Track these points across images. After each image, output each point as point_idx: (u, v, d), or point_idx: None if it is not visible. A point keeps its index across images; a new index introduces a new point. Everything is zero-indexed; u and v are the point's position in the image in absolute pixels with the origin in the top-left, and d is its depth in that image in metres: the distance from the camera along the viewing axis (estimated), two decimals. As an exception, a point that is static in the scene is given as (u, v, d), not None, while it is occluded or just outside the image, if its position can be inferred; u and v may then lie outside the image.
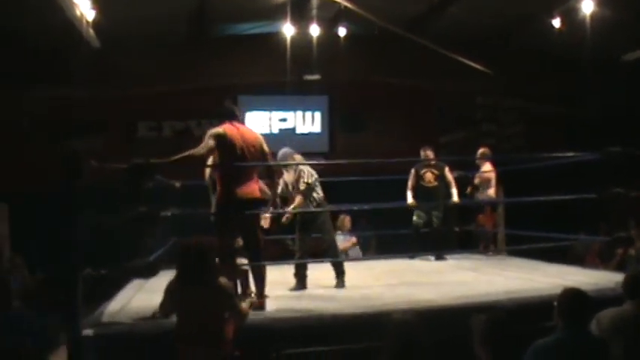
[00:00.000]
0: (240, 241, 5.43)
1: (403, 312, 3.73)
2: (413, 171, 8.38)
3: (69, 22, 8.48)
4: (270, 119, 12.36)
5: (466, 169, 9.02)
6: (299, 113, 12.49)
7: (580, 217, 8.87)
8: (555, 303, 3.56)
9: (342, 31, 10.80)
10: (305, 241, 6.41)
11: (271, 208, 5.66)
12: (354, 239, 9.28)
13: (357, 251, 9.27)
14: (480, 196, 8.80)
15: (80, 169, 4.42)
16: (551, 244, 6.98)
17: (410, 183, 8.35)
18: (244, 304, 4.37)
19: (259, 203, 5.33)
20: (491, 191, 8.76)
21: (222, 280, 4.10)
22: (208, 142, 5.03)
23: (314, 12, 10.36)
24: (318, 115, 12.51)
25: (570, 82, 11.65)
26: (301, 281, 6.23)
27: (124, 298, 5.68)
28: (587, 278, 6.00)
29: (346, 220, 9.37)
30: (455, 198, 8.31)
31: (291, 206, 6.33)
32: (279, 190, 6.44)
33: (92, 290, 4.68)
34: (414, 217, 8.40)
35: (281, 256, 8.87)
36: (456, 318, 4.25)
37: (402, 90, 12.18)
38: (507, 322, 3.33)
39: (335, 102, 12.49)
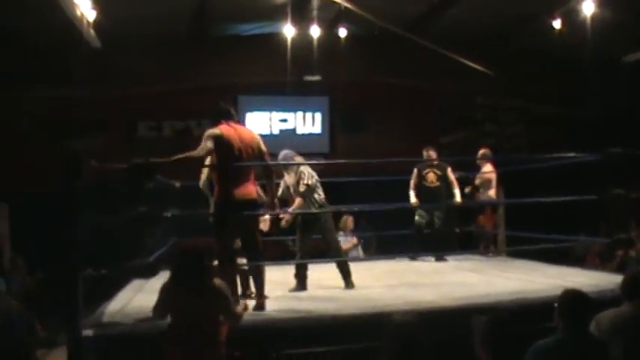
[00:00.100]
0: (239, 242, 5.43)
1: (403, 312, 3.72)
2: (415, 171, 8.36)
3: (69, 22, 8.48)
4: (270, 120, 12.36)
5: (467, 170, 9.01)
6: (299, 114, 12.49)
7: (580, 218, 8.87)
8: (556, 304, 3.55)
9: (342, 32, 10.81)
10: (306, 242, 6.40)
11: (269, 211, 5.66)
12: (354, 240, 9.27)
13: (358, 252, 9.26)
14: (481, 196, 8.79)
15: (80, 169, 4.42)
16: (551, 245, 6.98)
17: (412, 183, 8.33)
18: (239, 307, 4.36)
19: (257, 204, 5.33)
20: (492, 192, 8.75)
21: (218, 281, 4.10)
22: (206, 143, 5.02)
23: (314, 13, 10.37)
24: (318, 115, 12.51)
25: (570, 82, 11.65)
26: (301, 282, 6.22)
27: (124, 299, 5.67)
28: (588, 279, 5.99)
29: (349, 221, 9.34)
30: (457, 198, 8.31)
31: (291, 208, 6.33)
32: (280, 192, 6.45)
33: (92, 290, 4.68)
34: (417, 217, 8.39)
35: (281, 256, 8.88)
36: (456, 319, 4.26)
37: (403, 90, 12.18)
38: (508, 322, 3.33)
39: (335, 102, 12.49)
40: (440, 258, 8.27)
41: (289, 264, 6.60)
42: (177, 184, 7.31)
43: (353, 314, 4.83)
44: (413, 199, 8.27)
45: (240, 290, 5.47)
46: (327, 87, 12.19)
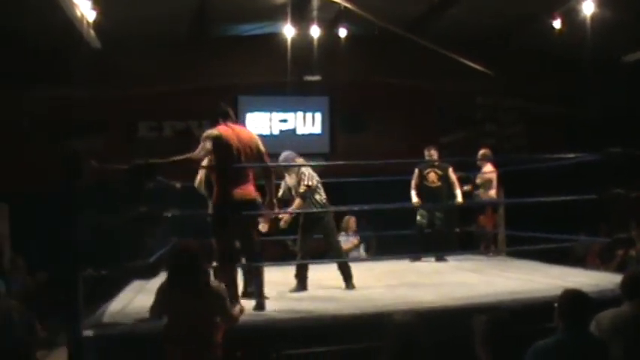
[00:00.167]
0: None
1: (403, 313, 3.72)
2: (417, 171, 8.35)
3: (69, 23, 8.48)
4: (270, 120, 12.36)
5: (467, 170, 9.01)
6: (299, 114, 12.48)
7: (580, 217, 8.87)
8: (556, 304, 3.55)
9: (342, 32, 10.80)
10: (307, 243, 6.40)
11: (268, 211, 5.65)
12: (355, 240, 9.26)
13: (359, 252, 9.24)
14: (482, 196, 8.80)
15: (80, 169, 4.42)
16: (551, 245, 6.98)
17: (413, 183, 8.33)
18: (236, 309, 4.35)
19: (256, 204, 5.32)
20: (493, 192, 8.76)
21: (213, 282, 4.09)
22: (205, 145, 5.02)
23: (314, 13, 10.36)
24: (318, 115, 12.51)
25: (570, 82, 11.65)
26: (302, 282, 6.22)
27: (125, 299, 5.67)
28: (588, 279, 5.99)
29: (351, 221, 9.32)
30: (458, 199, 8.31)
31: (289, 208, 6.34)
32: (281, 193, 6.46)
33: (92, 291, 4.67)
34: (418, 217, 8.38)
35: (281, 256, 8.88)
36: (456, 319, 4.26)
37: (403, 90, 12.18)
38: (508, 322, 3.33)
39: (335, 103, 12.49)
40: (440, 258, 8.28)
41: (290, 264, 6.59)
42: (178, 185, 7.30)
43: (353, 314, 4.84)
44: (414, 199, 8.27)
45: (241, 289, 5.47)
46: (327, 87, 12.19)
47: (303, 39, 10.65)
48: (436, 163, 8.37)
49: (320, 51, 10.87)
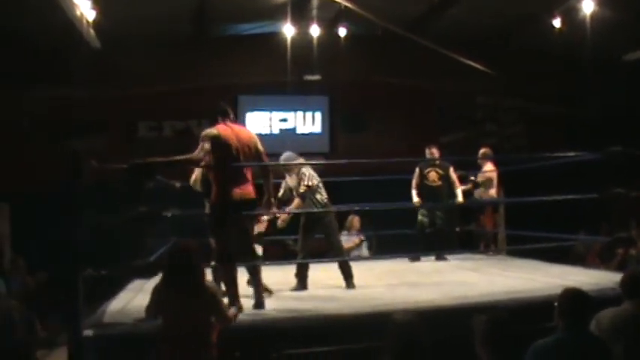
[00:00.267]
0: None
1: (404, 312, 3.71)
2: (417, 170, 8.35)
3: (69, 22, 8.48)
4: (270, 119, 12.35)
5: (467, 169, 9.01)
6: (299, 113, 12.48)
7: (581, 217, 8.87)
8: (556, 303, 3.55)
9: (342, 32, 10.80)
10: (308, 242, 6.40)
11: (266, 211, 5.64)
12: (356, 239, 9.25)
13: (362, 251, 9.23)
14: (482, 195, 8.80)
15: (80, 169, 4.42)
16: (552, 244, 6.98)
17: (414, 182, 8.33)
18: (231, 310, 4.35)
19: (255, 204, 5.32)
20: (493, 191, 8.76)
21: (208, 282, 4.08)
22: (204, 145, 5.01)
23: (314, 12, 10.36)
24: (318, 115, 12.50)
25: (570, 82, 11.65)
26: (302, 281, 6.23)
27: (125, 299, 5.67)
28: (588, 278, 5.99)
29: (355, 220, 9.32)
30: (459, 198, 8.31)
31: (288, 208, 6.34)
32: (281, 193, 6.46)
33: (92, 290, 4.67)
34: (419, 216, 8.38)
35: (282, 256, 8.87)
36: (456, 318, 4.25)
37: (403, 90, 12.17)
38: (508, 322, 3.33)
39: (335, 102, 12.48)
40: (440, 257, 8.28)
41: (291, 264, 6.59)
42: (177, 185, 7.31)
43: (353, 314, 4.83)
44: (415, 198, 8.27)
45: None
46: (327, 86, 12.18)
47: (303, 38, 10.65)
48: (437, 162, 8.37)
49: (320, 50, 10.86)
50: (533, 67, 11.73)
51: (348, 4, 9.67)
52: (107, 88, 11.01)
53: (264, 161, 5.37)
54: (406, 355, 3.22)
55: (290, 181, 6.46)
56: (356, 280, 6.23)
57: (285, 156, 6.36)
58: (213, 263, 5.36)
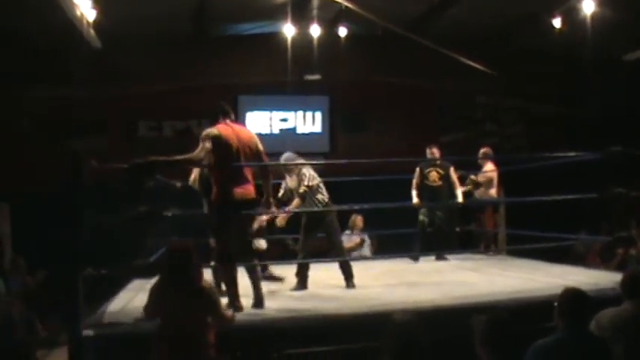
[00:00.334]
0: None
1: (403, 312, 3.71)
2: (418, 170, 8.34)
3: (69, 22, 8.47)
4: (270, 119, 12.35)
5: (467, 169, 9.01)
6: (300, 113, 12.47)
7: (581, 217, 8.87)
8: (556, 303, 3.55)
9: (342, 31, 10.80)
10: (309, 242, 6.40)
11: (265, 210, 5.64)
12: (357, 239, 9.25)
13: (363, 251, 9.22)
14: (483, 195, 8.79)
15: (80, 169, 4.42)
16: (552, 244, 6.98)
17: (414, 182, 8.33)
18: (228, 312, 4.34)
19: (256, 204, 5.32)
20: (493, 191, 8.76)
21: (206, 283, 4.08)
22: (205, 144, 5.00)
23: (314, 12, 10.36)
24: (318, 115, 12.50)
25: (570, 82, 11.65)
26: (302, 281, 6.23)
27: (125, 299, 5.67)
28: (588, 278, 5.99)
29: (358, 220, 9.31)
30: (459, 199, 8.30)
31: (287, 208, 6.34)
32: (282, 194, 6.46)
33: (92, 290, 4.67)
34: (420, 216, 8.37)
35: (282, 256, 8.87)
36: (456, 318, 4.25)
37: (403, 90, 12.17)
38: (508, 322, 3.32)
39: (336, 102, 12.48)
40: (441, 257, 8.28)
41: (292, 263, 6.59)
42: (178, 184, 7.31)
43: (354, 314, 4.84)
44: (414, 199, 8.26)
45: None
46: (327, 86, 12.18)
47: (303, 38, 10.65)
48: (438, 162, 8.36)
49: (320, 50, 10.86)
50: (533, 67, 11.73)
51: (349, 4, 9.67)
52: (107, 87, 11.01)
53: (265, 161, 5.37)
54: (405, 355, 3.21)
55: (290, 182, 6.47)
56: (356, 279, 6.24)
57: (286, 156, 6.36)
58: (213, 263, 5.36)
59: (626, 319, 3.77)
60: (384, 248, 9.37)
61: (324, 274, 6.58)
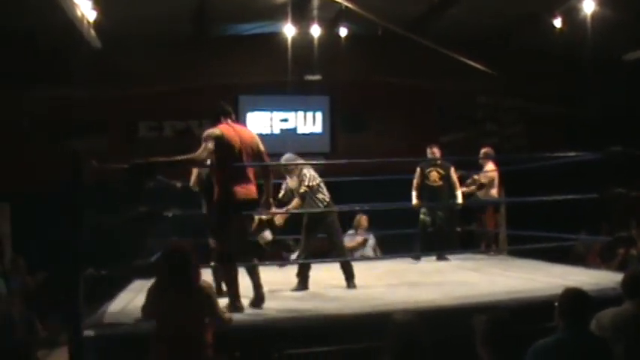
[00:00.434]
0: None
1: (404, 312, 3.71)
2: (418, 170, 8.34)
3: (69, 23, 8.47)
4: (271, 119, 12.35)
5: (468, 169, 9.01)
6: (300, 113, 12.47)
7: (581, 217, 8.87)
8: (556, 303, 3.55)
9: (342, 32, 10.81)
10: (310, 242, 6.40)
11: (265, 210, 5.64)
12: (359, 239, 9.24)
13: (366, 251, 9.21)
14: (484, 196, 8.79)
15: (80, 169, 4.42)
16: (552, 244, 6.98)
17: (415, 182, 8.32)
18: (227, 315, 4.34)
19: (257, 204, 5.32)
20: (494, 191, 8.76)
21: (204, 283, 4.07)
22: (207, 145, 4.99)
23: (315, 12, 10.35)
24: (319, 115, 12.50)
25: (570, 82, 11.65)
26: (303, 281, 6.22)
27: (125, 299, 5.67)
28: (589, 278, 5.99)
29: (362, 220, 9.29)
30: (459, 199, 8.30)
31: (286, 208, 6.34)
32: (281, 194, 6.46)
33: (92, 291, 4.67)
34: (421, 216, 8.37)
35: (282, 256, 8.86)
36: (457, 318, 4.25)
37: (403, 90, 12.17)
38: (508, 322, 3.32)
39: (336, 102, 12.48)
40: (441, 257, 8.28)
41: (293, 263, 6.59)
42: (178, 184, 7.31)
43: (355, 314, 4.83)
44: (414, 200, 8.26)
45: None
46: (327, 86, 12.18)
47: (303, 38, 10.65)
48: (438, 162, 8.36)
49: (320, 50, 10.86)
50: (533, 67, 11.73)
51: (349, 4, 9.67)
52: (107, 88, 11.00)
53: (266, 161, 5.37)
54: (406, 355, 3.21)
55: (290, 182, 6.47)
56: (357, 279, 6.23)
57: (286, 157, 6.37)
58: (213, 263, 5.36)
59: (626, 319, 3.77)
60: (385, 248, 9.36)
61: (326, 274, 6.57)
